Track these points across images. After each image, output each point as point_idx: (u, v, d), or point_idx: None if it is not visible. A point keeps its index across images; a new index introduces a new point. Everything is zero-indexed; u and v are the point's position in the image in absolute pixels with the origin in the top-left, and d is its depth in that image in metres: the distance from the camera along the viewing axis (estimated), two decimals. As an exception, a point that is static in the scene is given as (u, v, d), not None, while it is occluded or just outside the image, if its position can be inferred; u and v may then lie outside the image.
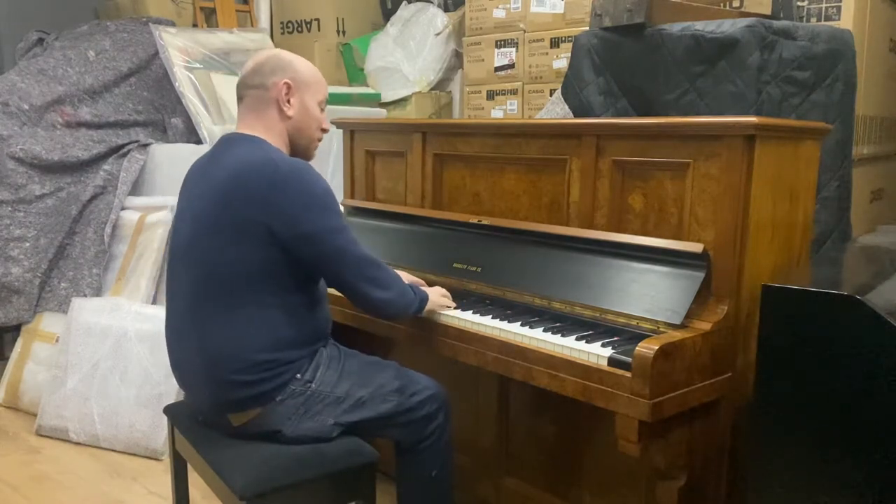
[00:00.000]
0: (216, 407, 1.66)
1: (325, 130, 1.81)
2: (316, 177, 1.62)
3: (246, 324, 1.60)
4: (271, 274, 1.60)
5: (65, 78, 3.46)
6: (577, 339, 1.60)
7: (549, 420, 2.01)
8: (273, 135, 1.71)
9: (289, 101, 1.71)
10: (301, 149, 1.78)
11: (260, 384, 1.60)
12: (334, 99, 3.45)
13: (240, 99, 1.75)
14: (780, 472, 1.48)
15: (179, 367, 1.72)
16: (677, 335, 1.51)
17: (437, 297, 1.88)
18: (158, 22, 3.78)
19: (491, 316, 1.79)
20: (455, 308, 1.88)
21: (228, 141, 1.72)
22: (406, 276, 1.91)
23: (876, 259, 2.00)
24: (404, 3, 3.96)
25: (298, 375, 1.64)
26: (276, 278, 1.61)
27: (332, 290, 1.74)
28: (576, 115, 2.34)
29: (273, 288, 1.61)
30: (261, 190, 1.56)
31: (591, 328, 1.68)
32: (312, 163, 1.71)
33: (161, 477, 2.57)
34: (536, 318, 1.77)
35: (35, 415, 2.94)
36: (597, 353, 1.53)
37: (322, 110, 1.79)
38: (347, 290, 1.69)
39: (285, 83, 1.70)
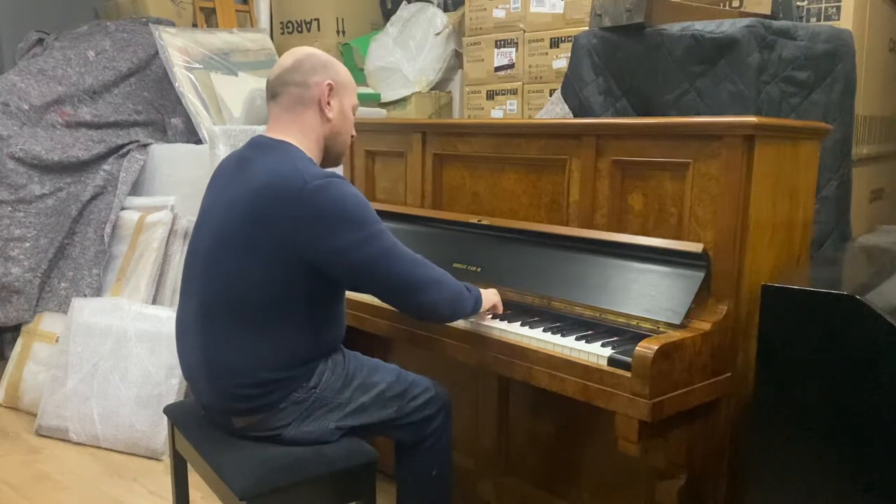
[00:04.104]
0: (219, 409, 1.66)
1: (352, 137, 1.75)
2: (345, 188, 1.54)
3: (258, 343, 1.56)
4: (295, 296, 1.55)
5: (65, 78, 3.46)
6: (577, 339, 1.60)
7: (549, 420, 2.01)
8: (308, 140, 1.64)
9: (329, 104, 1.65)
10: (334, 155, 1.72)
11: (266, 396, 1.59)
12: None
13: (273, 96, 1.65)
14: (780, 472, 1.48)
15: (186, 362, 1.70)
16: (677, 335, 1.51)
17: (491, 296, 1.77)
18: (158, 22, 3.78)
19: (491, 316, 1.79)
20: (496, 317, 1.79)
21: (259, 145, 1.64)
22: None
23: (876, 259, 2.00)
24: (404, 3, 3.96)
25: (304, 384, 1.62)
26: (299, 299, 1.56)
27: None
28: (576, 115, 2.34)
29: (294, 310, 1.56)
30: (290, 208, 1.50)
31: (591, 328, 1.68)
32: None
33: (161, 477, 2.57)
34: (536, 318, 1.77)
35: (35, 415, 2.95)
36: (597, 353, 1.53)
37: (354, 116, 1.74)
38: (390, 300, 1.63)
39: (328, 84, 1.64)
